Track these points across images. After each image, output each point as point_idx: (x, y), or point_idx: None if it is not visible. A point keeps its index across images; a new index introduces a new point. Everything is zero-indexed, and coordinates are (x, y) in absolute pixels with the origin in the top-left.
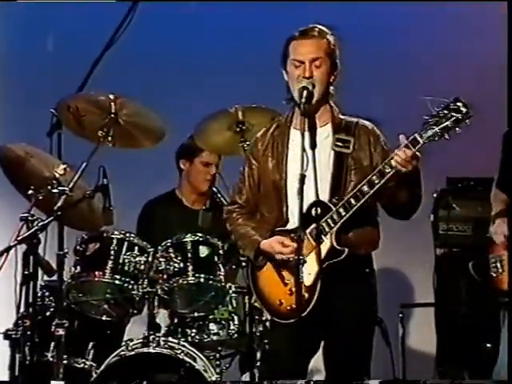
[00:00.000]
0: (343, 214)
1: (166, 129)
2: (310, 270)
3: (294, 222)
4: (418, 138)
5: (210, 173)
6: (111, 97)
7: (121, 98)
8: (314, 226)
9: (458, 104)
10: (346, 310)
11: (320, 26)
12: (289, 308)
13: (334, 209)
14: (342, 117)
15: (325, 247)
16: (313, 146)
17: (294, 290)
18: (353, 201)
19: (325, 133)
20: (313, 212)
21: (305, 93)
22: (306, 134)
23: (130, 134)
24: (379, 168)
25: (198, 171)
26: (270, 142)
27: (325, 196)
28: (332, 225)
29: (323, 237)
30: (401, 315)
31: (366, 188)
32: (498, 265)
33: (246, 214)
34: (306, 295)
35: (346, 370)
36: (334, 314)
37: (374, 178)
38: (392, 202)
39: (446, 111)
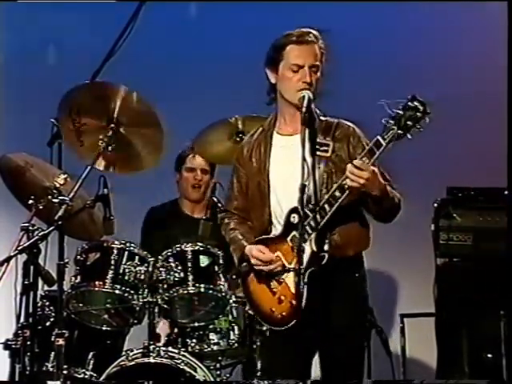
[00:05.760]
0: (319, 220)
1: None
2: (294, 278)
3: (276, 227)
4: (381, 140)
5: (196, 178)
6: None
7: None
8: (293, 233)
9: (415, 103)
10: (338, 314)
11: (313, 31)
12: (280, 316)
13: (310, 215)
14: (322, 118)
15: (306, 254)
16: (313, 154)
17: (282, 298)
18: (327, 207)
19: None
20: (291, 219)
21: (305, 102)
22: (307, 143)
23: (130, 142)
24: (339, 183)
25: (184, 178)
26: (254, 147)
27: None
28: (310, 231)
29: (303, 243)
30: (401, 325)
31: (337, 193)
32: None
33: (238, 219)
34: (294, 302)
35: (341, 374)
36: (327, 319)
37: (343, 183)
38: (366, 208)
39: (404, 111)
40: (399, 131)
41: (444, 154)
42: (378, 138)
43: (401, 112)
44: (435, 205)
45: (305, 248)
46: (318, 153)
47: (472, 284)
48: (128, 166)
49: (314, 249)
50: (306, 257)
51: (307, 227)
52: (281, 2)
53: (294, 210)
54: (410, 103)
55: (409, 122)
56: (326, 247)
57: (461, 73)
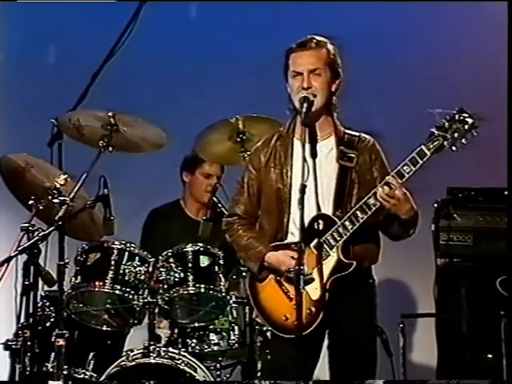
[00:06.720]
0: (349, 227)
1: (165, 140)
2: (316, 285)
3: (294, 233)
4: (425, 150)
5: (211, 184)
6: (110, 114)
7: (119, 115)
8: (316, 240)
9: (464, 115)
10: (352, 321)
11: (318, 37)
12: (296, 323)
13: (339, 222)
14: (344, 130)
15: (331, 261)
16: (313, 155)
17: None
18: (359, 213)
19: (329, 145)
20: (316, 225)
21: (305, 103)
22: (307, 144)
23: (130, 141)
24: (374, 190)
25: (199, 183)
26: (273, 152)
27: (328, 209)
28: (338, 238)
29: (329, 250)
30: (401, 325)
31: (372, 200)
32: None
33: (247, 224)
34: (314, 309)
35: (353, 378)
36: (340, 325)
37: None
38: (381, 226)
39: (451, 123)
40: (445, 142)
41: (444, 154)
42: (422, 147)
43: (448, 123)
44: (435, 205)
45: (331, 255)
46: (343, 162)
47: (472, 284)
48: (127, 146)
49: (341, 256)
50: (331, 264)
51: (335, 234)
52: (281, 3)
53: (318, 217)
54: (457, 115)
55: (456, 135)
56: (351, 255)
57: (461, 73)
